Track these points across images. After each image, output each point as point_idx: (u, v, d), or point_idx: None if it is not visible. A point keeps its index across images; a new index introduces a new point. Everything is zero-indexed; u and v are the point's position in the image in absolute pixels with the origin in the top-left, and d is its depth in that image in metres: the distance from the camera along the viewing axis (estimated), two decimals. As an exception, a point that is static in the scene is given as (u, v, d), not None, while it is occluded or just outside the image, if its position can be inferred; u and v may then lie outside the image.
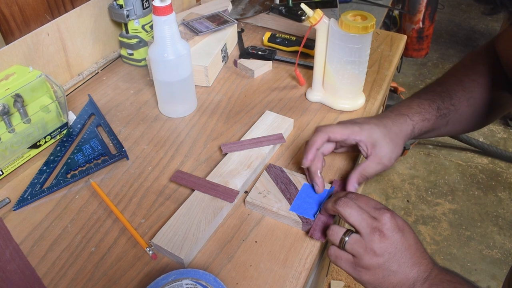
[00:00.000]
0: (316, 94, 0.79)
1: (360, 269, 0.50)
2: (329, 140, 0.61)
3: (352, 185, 0.60)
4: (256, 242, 0.56)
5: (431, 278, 0.48)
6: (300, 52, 0.81)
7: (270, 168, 0.64)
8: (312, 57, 0.83)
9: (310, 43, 0.88)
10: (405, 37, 0.99)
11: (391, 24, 2.48)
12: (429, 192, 1.89)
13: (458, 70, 0.66)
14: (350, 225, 0.50)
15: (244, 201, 0.60)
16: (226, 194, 0.59)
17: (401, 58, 0.97)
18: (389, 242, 0.49)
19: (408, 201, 1.85)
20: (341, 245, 0.50)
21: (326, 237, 0.53)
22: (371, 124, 0.60)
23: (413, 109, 0.62)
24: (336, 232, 0.51)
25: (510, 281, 0.61)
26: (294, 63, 0.89)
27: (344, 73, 0.73)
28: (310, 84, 0.81)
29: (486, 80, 0.63)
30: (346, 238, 0.50)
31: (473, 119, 0.65)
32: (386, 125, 0.60)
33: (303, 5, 0.70)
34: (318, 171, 0.60)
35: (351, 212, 0.50)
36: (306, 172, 0.62)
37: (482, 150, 2.04)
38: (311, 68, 0.80)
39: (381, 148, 0.59)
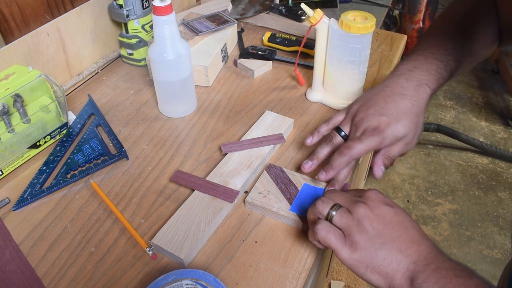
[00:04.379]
0: (316, 94, 0.79)
1: (348, 247, 0.46)
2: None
3: (378, 168, 0.59)
4: (256, 242, 0.56)
5: (439, 262, 0.43)
6: (300, 52, 0.81)
7: (270, 168, 0.63)
8: (312, 57, 0.83)
9: (310, 43, 0.88)
10: (405, 37, 0.99)
11: (391, 24, 2.48)
12: (430, 192, 1.89)
13: (465, 20, 0.66)
14: None
15: (244, 201, 0.60)
16: (226, 194, 0.59)
17: (402, 58, 0.97)
18: (376, 214, 0.46)
19: (408, 201, 1.85)
20: (329, 218, 0.48)
21: (315, 209, 0.50)
22: (391, 118, 0.57)
23: (432, 75, 0.60)
24: (325, 204, 0.49)
25: (504, 281, 0.61)
26: (294, 63, 0.89)
27: (344, 73, 0.73)
28: (310, 84, 0.81)
29: (489, 32, 0.65)
30: (334, 212, 0.48)
31: (471, 66, 0.69)
32: (407, 112, 0.58)
33: (303, 5, 0.70)
34: (322, 131, 0.63)
35: (335, 194, 0.50)
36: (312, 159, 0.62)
37: (482, 150, 2.04)
38: (311, 68, 0.80)
39: (405, 139, 0.59)
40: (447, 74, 0.61)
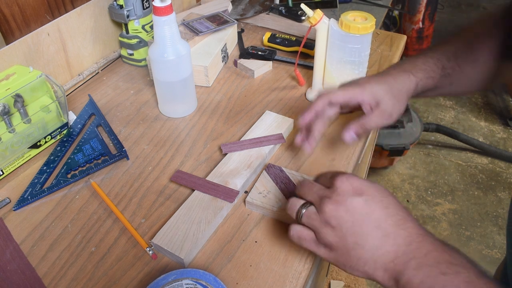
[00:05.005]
0: (316, 94, 0.79)
1: (323, 247, 0.43)
2: (331, 104, 0.60)
3: (348, 133, 0.58)
4: (256, 242, 0.56)
5: (420, 256, 0.39)
6: (300, 52, 0.81)
7: (269, 168, 0.64)
8: (312, 57, 0.83)
9: (310, 43, 0.88)
10: (405, 37, 0.99)
11: (391, 24, 2.48)
12: (429, 192, 1.89)
13: (469, 31, 0.65)
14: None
15: (244, 201, 0.61)
16: (226, 194, 0.59)
17: (401, 58, 0.97)
18: (344, 210, 0.41)
19: (408, 201, 1.86)
20: (298, 219, 0.45)
21: (287, 211, 0.47)
22: (372, 83, 0.59)
23: (418, 66, 0.61)
24: (294, 205, 0.45)
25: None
26: (294, 63, 0.89)
27: (344, 73, 0.73)
28: (310, 84, 0.81)
29: (494, 44, 0.61)
30: (303, 210, 0.44)
31: (477, 81, 0.64)
32: (388, 81, 0.59)
33: (303, 5, 0.70)
34: (317, 133, 0.60)
35: (305, 189, 0.46)
36: (301, 132, 0.62)
37: (482, 150, 2.04)
38: (311, 68, 0.80)
39: (383, 104, 0.58)
40: (437, 68, 0.61)
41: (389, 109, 0.58)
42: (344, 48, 0.70)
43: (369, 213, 0.41)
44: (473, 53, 0.62)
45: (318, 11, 0.69)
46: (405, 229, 0.40)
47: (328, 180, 0.45)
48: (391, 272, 0.40)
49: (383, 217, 0.41)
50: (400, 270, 0.39)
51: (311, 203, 0.45)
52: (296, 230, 0.46)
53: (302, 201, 0.46)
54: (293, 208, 0.46)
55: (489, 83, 0.65)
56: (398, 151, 1.80)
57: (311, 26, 0.71)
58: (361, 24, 0.67)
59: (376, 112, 0.58)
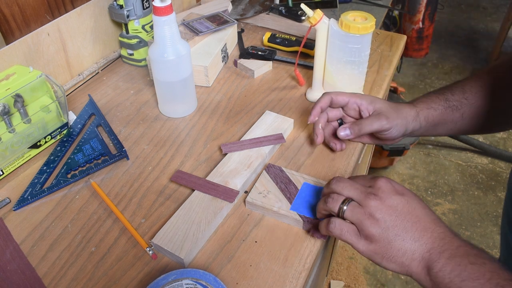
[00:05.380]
0: (316, 94, 0.79)
1: (364, 239, 0.47)
2: (333, 105, 0.65)
3: (343, 130, 0.62)
4: (256, 242, 0.56)
5: (453, 249, 0.43)
6: (300, 52, 0.81)
7: (269, 168, 0.64)
8: (312, 57, 0.83)
9: (310, 43, 0.88)
10: (405, 37, 0.99)
11: (391, 24, 2.48)
12: (429, 192, 1.89)
13: (482, 69, 0.66)
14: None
15: (244, 201, 0.61)
16: (226, 194, 0.59)
17: (401, 58, 0.97)
18: (387, 205, 0.46)
19: (408, 201, 1.85)
20: (340, 214, 0.48)
21: (326, 207, 0.50)
22: (374, 96, 0.64)
23: (418, 99, 0.65)
24: (335, 201, 0.49)
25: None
26: (294, 63, 0.89)
27: (344, 73, 0.73)
28: (310, 84, 0.81)
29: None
30: (345, 207, 0.48)
31: (494, 117, 0.63)
32: (389, 103, 0.63)
33: (303, 5, 0.70)
34: (320, 125, 0.65)
35: (344, 186, 0.49)
36: (316, 131, 0.66)
37: (482, 150, 2.04)
38: (311, 68, 0.80)
39: (381, 111, 0.61)
40: (440, 100, 0.63)
41: (386, 115, 0.60)
42: (344, 48, 0.70)
43: (410, 210, 0.46)
44: (484, 87, 0.62)
45: (318, 11, 0.69)
46: (440, 226, 0.46)
47: (368, 180, 0.50)
48: (426, 261, 0.44)
49: (423, 215, 0.46)
50: (434, 259, 0.43)
51: (350, 199, 0.48)
52: (338, 223, 0.49)
53: (342, 197, 0.49)
54: (334, 203, 0.49)
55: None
56: (398, 151, 1.80)
57: (311, 26, 0.71)
58: (361, 24, 0.67)
59: (373, 117, 0.61)
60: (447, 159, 2.05)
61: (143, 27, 0.87)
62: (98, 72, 0.89)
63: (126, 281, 0.52)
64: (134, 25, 0.86)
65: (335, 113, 0.67)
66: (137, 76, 0.88)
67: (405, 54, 2.57)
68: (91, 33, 0.85)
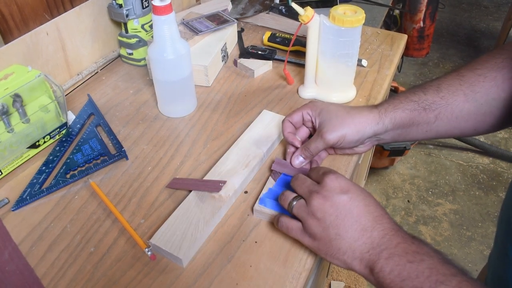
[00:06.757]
0: (308, 91, 0.80)
1: (308, 236, 0.49)
2: (296, 124, 0.64)
3: (296, 158, 0.61)
4: (256, 242, 0.55)
5: (391, 247, 0.44)
6: (297, 50, 0.81)
7: (274, 174, 0.63)
8: (303, 54, 0.83)
9: (305, 41, 0.88)
10: (405, 36, 0.98)
11: (391, 23, 2.48)
12: (430, 192, 1.88)
13: (464, 65, 0.58)
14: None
15: (245, 202, 0.60)
16: (213, 186, 0.59)
17: (402, 57, 0.97)
18: (330, 204, 0.47)
19: (408, 201, 1.85)
20: (289, 209, 0.51)
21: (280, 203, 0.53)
22: (322, 104, 0.62)
23: (385, 101, 0.59)
24: (286, 198, 0.52)
25: (487, 277, 0.61)
26: (294, 63, 0.89)
27: (338, 67, 0.74)
28: (302, 82, 0.81)
29: (497, 74, 0.53)
30: (294, 203, 0.50)
31: (479, 117, 0.55)
32: (341, 108, 0.60)
33: (293, 4, 0.70)
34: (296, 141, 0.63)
35: (297, 183, 0.51)
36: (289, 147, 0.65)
37: (483, 150, 2.04)
38: (302, 66, 0.80)
39: (324, 124, 0.59)
40: (409, 101, 0.57)
41: (328, 128, 0.57)
42: (338, 42, 0.71)
43: (351, 209, 0.46)
44: (463, 85, 0.55)
45: (309, 8, 0.70)
46: (381, 224, 0.46)
47: (319, 176, 0.50)
48: (367, 262, 0.45)
49: (363, 213, 0.46)
50: (374, 260, 0.44)
51: (301, 196, 0.51)
52: (284, 221, 0.52)
53: (294, 194, 0.52)
54: (285, 200, 0.52)
55: (507, 122, 0.55)
56: (399, 151, 1.79)
57: (300, 24, 0.72)
58: (352, 17, 0.68)
59: (316, 135, 0.59)
60: (448, 159, 2.05)
61: (142, 26, 0.86)
62: (97, 72, 0.89)
63: (125, 282, 0.52)
64: (134, 25, 0.86)
65: (302, 132, 0.65)
66: (136, 76, 0.88)
67: (406, 53, 2.56)
68: (90, 32, 0.85)
